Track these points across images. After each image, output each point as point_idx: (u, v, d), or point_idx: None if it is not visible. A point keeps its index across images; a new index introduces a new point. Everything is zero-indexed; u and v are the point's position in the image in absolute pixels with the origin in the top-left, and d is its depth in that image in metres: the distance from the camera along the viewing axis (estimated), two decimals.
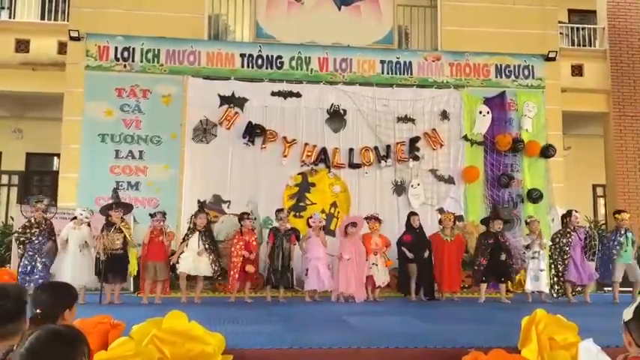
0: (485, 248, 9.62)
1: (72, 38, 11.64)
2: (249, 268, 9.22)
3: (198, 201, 11.09)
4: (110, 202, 10.07)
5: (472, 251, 10.80)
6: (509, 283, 10.05)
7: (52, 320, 2.64)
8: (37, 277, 8.76)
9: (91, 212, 9.18)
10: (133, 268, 9.12)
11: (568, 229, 9.81)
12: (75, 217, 9.03)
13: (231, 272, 9.20)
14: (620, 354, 2.70)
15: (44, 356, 1.75)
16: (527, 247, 9.69)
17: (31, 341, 1.80)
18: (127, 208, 9.57)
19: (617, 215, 10.11)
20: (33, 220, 9.17)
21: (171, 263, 9.09)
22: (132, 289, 10.08)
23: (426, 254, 9.88)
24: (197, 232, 9.17)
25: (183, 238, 9.30)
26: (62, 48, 12.46)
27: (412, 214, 10.37)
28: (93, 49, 11.70)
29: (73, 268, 8.64)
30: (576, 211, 10.03)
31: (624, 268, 9.66)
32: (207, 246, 9.16)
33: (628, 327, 2.49)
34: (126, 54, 11.76)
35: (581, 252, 9.78)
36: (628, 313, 2.51)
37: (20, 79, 12.58)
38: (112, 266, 8.71)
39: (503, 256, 9.58)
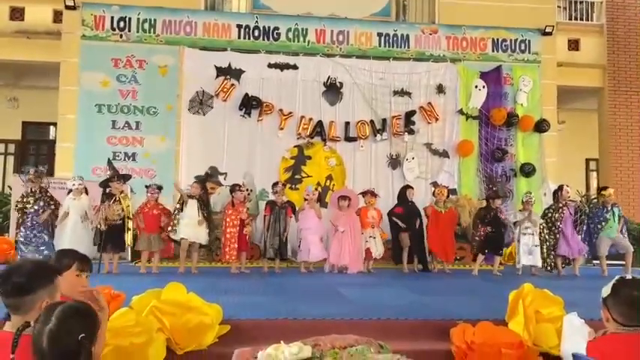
0: (487, 221, 9.74)
1: (67, 7, 11.57)
2: (247, 229, 9.37)
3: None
4: (108, 174, 10.14)
5: (464, 224, 10.97)
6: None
7: None
8: (41, 248, 8.89)
9: (81, 178, 9.28)
10: (128, 238, 9.19)
11: (559, 204, 9.95)
12: (71, 190, 9.10)
13: (227, 243, 9.29)
14: (601, 329, 2.84)
15: (70, 332, 1.88)
16: (516, 223, 9.83)
17: (58, 318, 1.92)
18: (125, 178, 9.65)
19: (602, 192, 10.26)
20: (29, 190, 9.26)
21: (168, 234, 9.16)
22: (129, 259, 10.22)
23: (417, 223, 10.02)
24: (195, 200, 9.24)
25: (175, 209, 9.33)
26: (57, 17, 12.41)
27: (408, 187, 10.48)
28: (89, 19, 11.63)
29: (74, 238, 8.75)
30: (567, 186, 10.16)
31: (610, 242, 9.82)
32: (205, 215, 9.28)
33: (606, 303, 2.60)
34: (122, 24, 11.70)
35: (571, 226, 9.93)
36: (606, 290, 2.61)
37: (15, 48, 12.54)
38: (111, 237, 8.82)
39: (502, 230, 9.74)
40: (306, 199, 9.84)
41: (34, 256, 8.71)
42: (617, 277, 2.63)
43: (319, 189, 11.18)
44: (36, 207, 9.14)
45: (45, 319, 1.93)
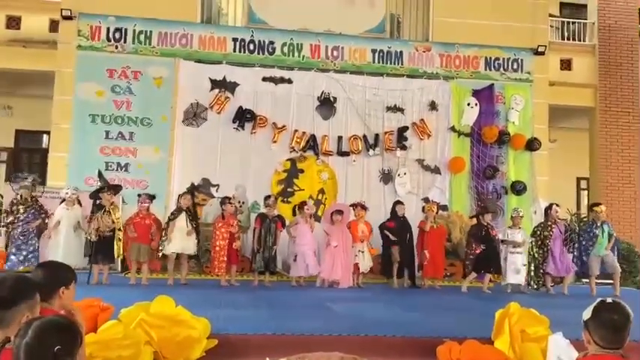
0: (480, 238, 9.77)
1: (64, 17, 11.61)
2: (237, 244, 9.37)
3: (192, 184, 11.21)
4: (98, 185, 10.15)
5: (455, 241, 11.02)
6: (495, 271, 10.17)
7: (47, 296, 2.78)
8: (30, 257, 8.86)
9: (75, 189, 9.28)
10: (118, 250, 9.13)
11: (549, 222, 10.03)
12: (64, 200, 9.09)
13: (216, 256, 9.29)
14: (582, 351, 2.88)
15: (47, 345, 1.89)
16: (503, 241, 9.89)
17: (35, 331, 1.93)
18: (116, 189, 9.65)
19: (595, 208, 10.34)
20: (20, 198, 9.22)
21: (160, 249, 9.15)
22: (119, 270, 10.20)
23: (408, 239, 10.05)
24: (184, 212, 9.26)
25: (168, 220, 9.33)
26: (54, 26, 12.44)
27: (398, 202, 10.54)
28: (85, 29, 11.68)
29: (65, 248, 8.73)
30: (557, 205, 10.22)
31: (599, 261, 9.85)
32: (194, 225, 9.29)
33: (587, 326, 2.65)
34: (118, 35, 11.75)
35: (560, 245, 9.98)
36: (587, 313, 2.66)
37: (10, 56, 12.54)
38: (101, 247, 8.80)
39: (493, 245, 9.80)
40: (304, 212, 9.81)
41: (23, 266, 8.70)
42: (598, 300, 2.68)
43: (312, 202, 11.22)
44: (25, 215, 9.10)
45: (23, 332, 1.94)
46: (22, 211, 9.11)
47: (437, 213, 10.36)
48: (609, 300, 2.68)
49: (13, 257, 8.92)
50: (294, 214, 10.15)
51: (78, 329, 2.09)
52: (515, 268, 9.67)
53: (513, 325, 4.74)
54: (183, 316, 4.67)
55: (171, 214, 9.37)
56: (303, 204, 10.12)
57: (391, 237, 10.02)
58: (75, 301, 4.84)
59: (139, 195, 9.50)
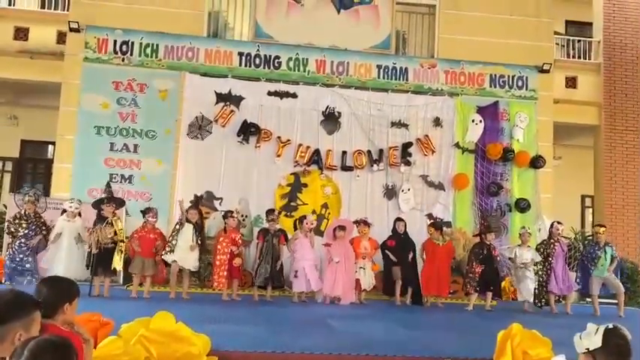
0: (481, 258, 9.74)
1: (71, 29, 11.68)
2: (237, 261, 9.34)
3: (195, 195, 11.20)
4: (103, 196, 10.15)
5: (458, 258, 10.97)
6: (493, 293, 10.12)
7: (51, 312, 2.78)
8: (27, 272, 8.82)
9: (79, 202, 9.27)
10: (117, 262, 9.06)
11: (551, 240, 9.99)
12: (65, 211, 9.08)
13: (217, 270, 9.27)
14: None
15: None
16: (511, 259, 9.85)
17: (30, 351, 1.92)
18: (119, 202, 9.64)
19: (596, 228, 10.34)
20: (23, 213, 9.19)
21: (162, 256, 9.15)
22: (121, 282, 10.18)
23: (410, 256, 10.01)
24: (192, 226, 9.26)
25: (174, 230, 9.34)
26: (61, 38, 12.54)
27: (398, 219, 10.52)
28: (92, 41, 11.74)
29: (67, 261, 8.71)
30: (558, 223, 10.19)
31: (601, 282, 9.79)
32: (199, 241, 9.28)
33: (594, 355, 2.57)
34: (124, 47, 11.81)
35: (563, 263, 9.94)
36: (595, 341, 2.58)
37: (18, 67, 12.69)
38: (102, 260, 8.79)
39: (494, 266, 9.77)
40: (303, 226, 9.78)
41: (18, 281, 8.66)
42: (603, 328, 2.62)
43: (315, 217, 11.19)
44: (27, 231, 9.03)
45: (20, 352, 1.94)
46: (24, 226, 9.07)
47: (440, 231, 10.28)
48: (610, 326, 2.64)
49: (10, 270, 8.86)
50: (295, 228, 10.12)
51: (74, 348, 2.09)
52: (527, 285, 9.65)
53: (515, 346, 4.70)
54: (183, 332, 4.64)
55: (179, 224, 9.35)
56: (302, 218, 10.08)
57: (392, 257, 9.99)
58: (75, 315, 4.84)
59: (147, 209, 9.48)
